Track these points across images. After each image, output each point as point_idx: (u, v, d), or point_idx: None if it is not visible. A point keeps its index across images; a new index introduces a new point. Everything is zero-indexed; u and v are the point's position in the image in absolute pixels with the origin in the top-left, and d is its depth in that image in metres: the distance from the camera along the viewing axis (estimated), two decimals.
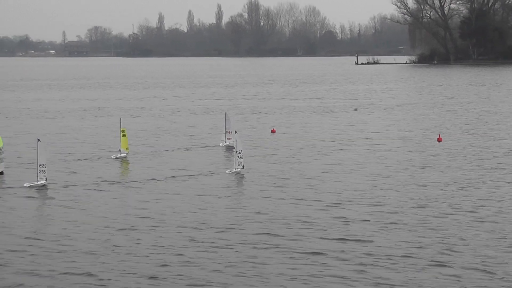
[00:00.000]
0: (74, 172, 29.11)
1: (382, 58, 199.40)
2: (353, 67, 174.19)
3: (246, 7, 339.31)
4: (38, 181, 26.07)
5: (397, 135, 40.74)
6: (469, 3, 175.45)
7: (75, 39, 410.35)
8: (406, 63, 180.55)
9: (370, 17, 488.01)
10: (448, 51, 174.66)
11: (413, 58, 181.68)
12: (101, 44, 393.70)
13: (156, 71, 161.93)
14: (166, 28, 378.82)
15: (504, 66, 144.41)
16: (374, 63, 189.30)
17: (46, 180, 26.06)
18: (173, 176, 28.06)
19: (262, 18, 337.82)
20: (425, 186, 25.62)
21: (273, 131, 42.35)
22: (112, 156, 33.02)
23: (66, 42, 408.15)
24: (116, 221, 20.99)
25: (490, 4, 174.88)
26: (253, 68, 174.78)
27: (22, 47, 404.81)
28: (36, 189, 25.66)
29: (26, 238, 19.25)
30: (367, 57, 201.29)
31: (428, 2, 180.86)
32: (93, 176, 28.15)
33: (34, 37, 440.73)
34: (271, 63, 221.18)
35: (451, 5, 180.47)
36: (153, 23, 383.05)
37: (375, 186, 25.69)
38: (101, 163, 31.72)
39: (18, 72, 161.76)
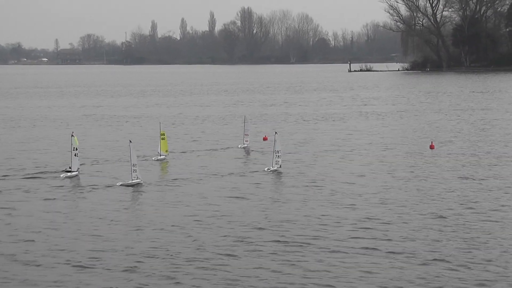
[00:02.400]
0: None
1: (375, 66, 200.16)
2: (346, 74, 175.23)
3: (239, 15, 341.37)
4: (132, 180, 27.73)
5: (396, 142, 42.16)
6: (462, 11, 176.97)
7: (68, 46, 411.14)
8: (398, 70, 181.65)
9: (363, 25, 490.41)
10: (440, 58, 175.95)
11: (406, 65, 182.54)
12: (93, 52, 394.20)
13: (154, 78, 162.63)
14: (159, 35, 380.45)
15: (497, 73, 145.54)
16: (367, 70, 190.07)
17: (138, 178, 27.76)
18: (215, 175, 30.12)
19: (255, 25, 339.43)
20: (451, 188, 27.01)
21: (265, 139, 42.76)
22: (153, 158, 34.52)
23: (58, 50, 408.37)
24: (174, 220, 22.36)
25: (482, 11, 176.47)
26: (249, 75, 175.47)
27: (14, 55, 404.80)
28: (130, 188, 27.42)
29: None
30: (359, 64, 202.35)
31: (421, 9, 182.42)
32: (170, 174, 30.90)
33: (26, 45, 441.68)
34: (265, 70, 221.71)
35: (443, 12, 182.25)
36: (146, 30, 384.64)
37: (401, 189, 27.13)
38: (147, 164, 33.40)
39: (18, 80, 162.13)
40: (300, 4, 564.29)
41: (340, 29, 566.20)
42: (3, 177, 30.07)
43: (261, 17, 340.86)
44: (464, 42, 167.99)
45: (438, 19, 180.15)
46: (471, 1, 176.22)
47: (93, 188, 27.53)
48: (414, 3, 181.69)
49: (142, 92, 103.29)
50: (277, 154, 30.63)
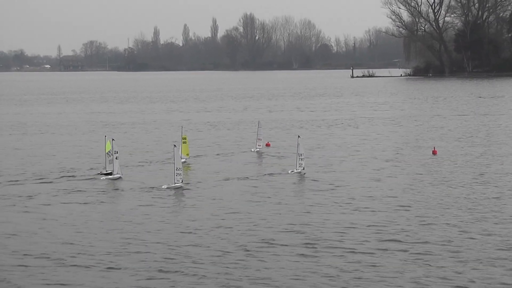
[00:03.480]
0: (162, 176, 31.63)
1: (377, 71, 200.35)
2: (349, 80, 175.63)
3: (241, 21, 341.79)
4: (175, 183, 28.71)
5: (405, 147, 42.94)
6: (464, 16, 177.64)
7: (70, 53, 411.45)
8: (401, 76, 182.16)
9: (365, 30, 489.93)
10: (443, 64, 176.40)
11: (408, 71, 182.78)
12: (96, 58, 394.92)
13: (158, 85, 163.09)
14: (162, 42, 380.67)
15: (499, 79, 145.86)
16: (370, 76, 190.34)
17: (182, 182, 28.78)
18: (237, 178, 31.39)
19: (258, 31, 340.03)
20: (463, 190, 27.84)
21: (267, 145, 43.31)
22: None
23: (61, 56, 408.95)
24: (208, 219, 23.49)
25: (484, 17, 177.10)
26: (252, 81, 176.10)
27: (17, 61, 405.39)
28: (174, 190, 28.55)
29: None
30: (362, 70, 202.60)
31: (423, 15, 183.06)
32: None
33: (29, 51, 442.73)
34: (267, 76, 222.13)
35: (445, 18, 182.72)
36: (149, 37, 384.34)
37: (416, 192, 27.96)
38: (170, 167, 34.08)
39: (23, 87, 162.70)
40: (303, 10, 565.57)
41: (343, 34, 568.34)
42: (38, 180, 31.00)
43: (263, 23, 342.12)
44: (466, 47, 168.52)
45: (440, 25, 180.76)
46: (473, 7, 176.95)
47: (141, 191, 28.52)
48: (416, 9, 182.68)
49: (149, 98, 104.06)
50: (300, 157, 31.97)
